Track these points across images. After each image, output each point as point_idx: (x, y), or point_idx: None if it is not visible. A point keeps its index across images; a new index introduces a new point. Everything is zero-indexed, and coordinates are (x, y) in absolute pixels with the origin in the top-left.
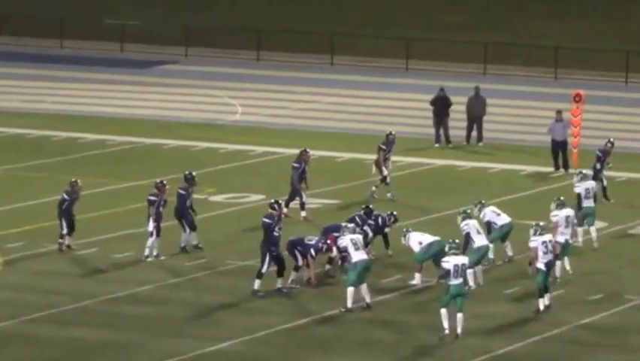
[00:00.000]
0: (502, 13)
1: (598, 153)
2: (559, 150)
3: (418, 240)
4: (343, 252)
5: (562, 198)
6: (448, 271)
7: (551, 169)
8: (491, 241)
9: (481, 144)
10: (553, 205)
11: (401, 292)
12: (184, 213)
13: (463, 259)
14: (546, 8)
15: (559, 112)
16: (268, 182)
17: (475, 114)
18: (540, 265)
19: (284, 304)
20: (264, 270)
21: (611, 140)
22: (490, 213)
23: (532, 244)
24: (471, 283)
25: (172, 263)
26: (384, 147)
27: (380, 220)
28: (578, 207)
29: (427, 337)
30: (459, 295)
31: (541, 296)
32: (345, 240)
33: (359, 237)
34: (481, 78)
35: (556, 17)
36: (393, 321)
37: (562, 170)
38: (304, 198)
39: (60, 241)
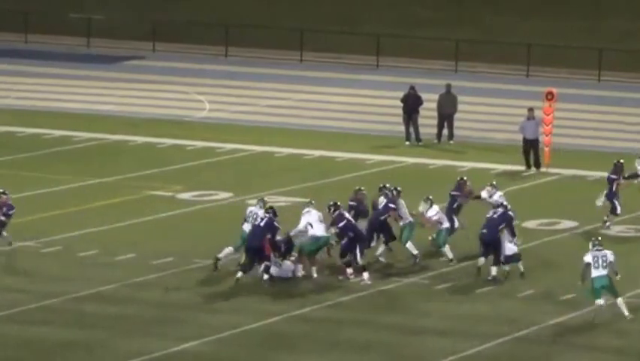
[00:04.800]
0: (474, 10)
1: None
2: (530, 149)
3: (307, 221)
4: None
5: (430, 197)
6: (587, 264)
7: (522, 168)
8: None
9: (452, 142)
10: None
11: (370, 291)
12: None
13: (604, 251)
14: (518, 5)
15: (530, 110)
16: (236, 180)
17: (446, 112)
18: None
19: (250, 303)
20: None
21: None
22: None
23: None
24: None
25: (137, 262)
26: (614, 176)
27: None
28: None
29: (397, 336)
30: (603, 287)
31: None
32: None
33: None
34: (452, 75)
35: (528, 14)
36: (362, 320)
37: (533, 169)
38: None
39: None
